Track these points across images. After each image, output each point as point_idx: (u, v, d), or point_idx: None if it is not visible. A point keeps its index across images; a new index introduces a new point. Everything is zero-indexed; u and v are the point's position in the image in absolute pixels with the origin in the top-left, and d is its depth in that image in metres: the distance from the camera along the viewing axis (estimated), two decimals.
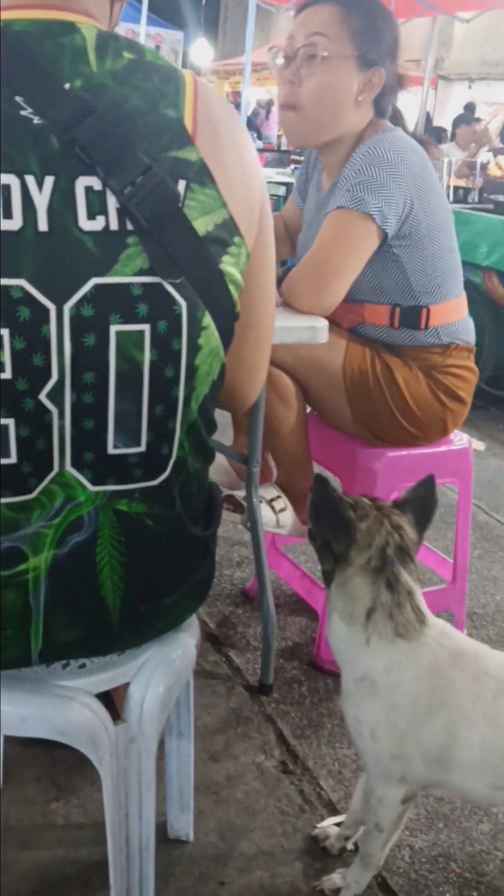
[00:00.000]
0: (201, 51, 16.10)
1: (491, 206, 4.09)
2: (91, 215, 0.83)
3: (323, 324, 1.53)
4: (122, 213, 0.84)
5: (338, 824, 1.46)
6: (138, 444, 0.91)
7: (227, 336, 0.95)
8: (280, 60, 1.69)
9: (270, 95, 12.93)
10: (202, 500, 1.05)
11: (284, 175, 6.05)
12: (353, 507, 1.20)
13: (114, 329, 0.85)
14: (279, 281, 1.63)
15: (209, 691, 1.81)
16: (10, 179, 0.81)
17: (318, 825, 1.48)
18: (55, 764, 1.55)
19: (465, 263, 2.01)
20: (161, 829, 1.40)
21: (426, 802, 1.57)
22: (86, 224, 0.83)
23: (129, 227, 0.84)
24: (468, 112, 10.19)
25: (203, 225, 0.88)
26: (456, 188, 4.75)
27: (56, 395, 0.86)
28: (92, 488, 0.90)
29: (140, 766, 1.07)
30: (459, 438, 1.93)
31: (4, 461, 0.86)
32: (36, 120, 0.83)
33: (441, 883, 1.41)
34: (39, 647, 0.94)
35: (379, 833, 1.26)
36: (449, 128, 9.83)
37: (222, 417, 1.31)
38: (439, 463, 1.86)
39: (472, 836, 1.51)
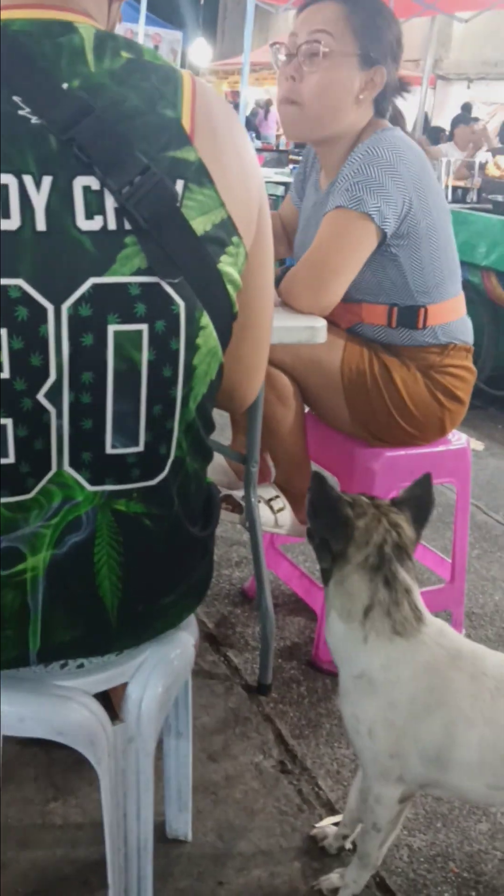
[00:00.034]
0: (200, 51, 16.09)
1: (489, 206, 4.09)
2: (89, 215, 0.83)
3: (321, 324, 1.53)
4: (120, 212, 0.84)
5: (336, 824, 1.46)
6: (136, 444, 0.91)
7: (225, 336, 0.95)
8: (282, 57, 1.69)
9: (269, 95, 12.93)
10: (200, 500, 1.05)
11: (283, 175, 6.04)
12: (351, 504, 1.20)
13: (112, 329, 0.85)
14: (277, 280, 1.63)
15: (207, 691, 1.81)
16: (8, 179, 0.80)
17: (317, 825, 1.48)
18: (53, 764, 1.55)
19: (463, 263, 2.01)
20: (159, 828, 1.40)
21: (424, 802, 1.57)
22: (84, 224, 0.83)
23: (128, 226, 0.84)
24: (465, 112, 10.21)
25: (201, 225, 0.88)
26: (455, 188, 4.75)
27: (54, 394, 0.86)
28: (90, 488, 0.90)
29: (138, 766, 1.07)
30: (458, 438, 1.93)
31: (3, 461, 0.86)
32: (34, 120, 0.83)
33: (439, 882, 1.41)
34: (37, 647, 0.94)
35: (376, 832, 1.26)
36: (447, 128, 9.84)
37: (221, 417, 1.31)
38: (437, 463, 1.86)
39: (471, 836, 1.51)
